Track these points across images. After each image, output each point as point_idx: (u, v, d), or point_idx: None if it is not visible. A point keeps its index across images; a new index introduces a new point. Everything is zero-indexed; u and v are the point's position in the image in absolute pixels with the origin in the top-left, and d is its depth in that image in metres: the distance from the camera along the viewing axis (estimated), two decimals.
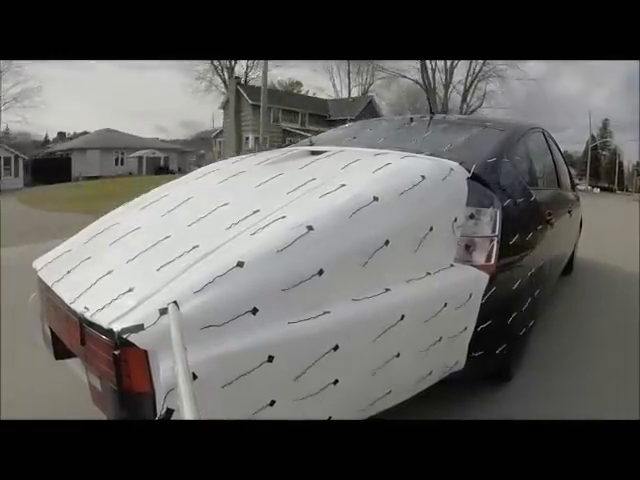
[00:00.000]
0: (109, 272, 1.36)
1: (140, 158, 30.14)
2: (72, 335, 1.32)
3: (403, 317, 1.47)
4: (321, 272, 1.33)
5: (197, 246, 1.34)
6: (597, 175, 58.85)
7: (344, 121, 30.69)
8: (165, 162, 31.31)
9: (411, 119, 2.99)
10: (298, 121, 31.70)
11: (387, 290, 1.48)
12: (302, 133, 27.55)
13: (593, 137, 54.12)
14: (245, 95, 29.22)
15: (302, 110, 32.09)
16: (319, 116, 32.73)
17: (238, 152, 25.66)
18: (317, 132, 29.88)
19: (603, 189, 46.64)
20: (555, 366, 2.41)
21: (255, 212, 1.48)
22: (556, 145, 3.63)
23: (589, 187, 39.64)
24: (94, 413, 1.28)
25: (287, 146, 2.82)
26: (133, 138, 33.04)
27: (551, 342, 2.69)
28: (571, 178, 4.03)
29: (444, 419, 1.69)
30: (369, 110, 31.61)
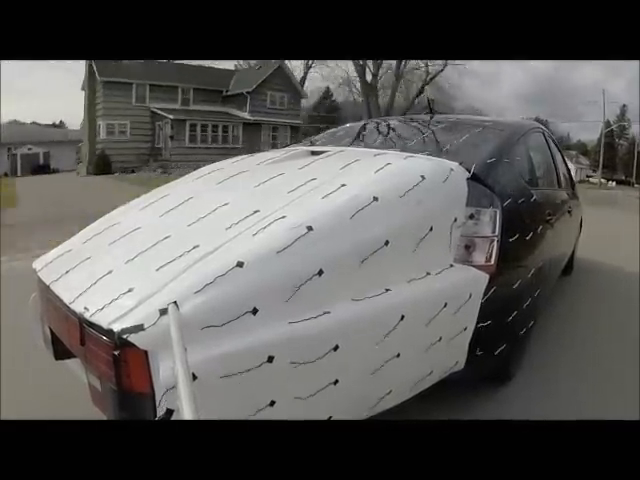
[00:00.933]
0: (109, 272, 1.36)
1: (14, 155, 25.56)
2: (72, 335, 1.31)
3: (403, 317, 1.47)
4: (321, 272, 1.33)
5: (197, 246, 1.34)
6: (613, 166, 53.44)
7: (240, 95, 23.32)
8: (45, 159, 26.69)
9: (411, 119, 3.00)
10: (178, 99, 22.98)
11: (387, 290, 1.48)
12: (165, 115, 20.96)
13: (609, 123, 47.77)
14: (96, 70, 21.14)
15: (184, 85, 23.14)
16: (212, 91, 24.07)
17: (91, 143, 21.01)
18: (201, 113, 22.66)
19: (620, 182, 41.77)
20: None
21: (255, 212, 1.48)
22: (556, 145, 3.63)
23: (603, 180, 34.85)
24: (94, 413, 1.28)
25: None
26: (35, 130, 28.40)
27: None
28: (571, 178, 4.03)
29: (444, 419, 1.69)
30: (276, 80, 24.22)
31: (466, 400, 2.01)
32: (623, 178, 48.31)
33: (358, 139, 2.73)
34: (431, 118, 2.98)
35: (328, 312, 1.32)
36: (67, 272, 1.49)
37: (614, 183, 38.63)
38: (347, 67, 27.17)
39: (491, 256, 1.82)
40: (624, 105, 56.53)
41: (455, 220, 1.76)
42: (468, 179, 1.86)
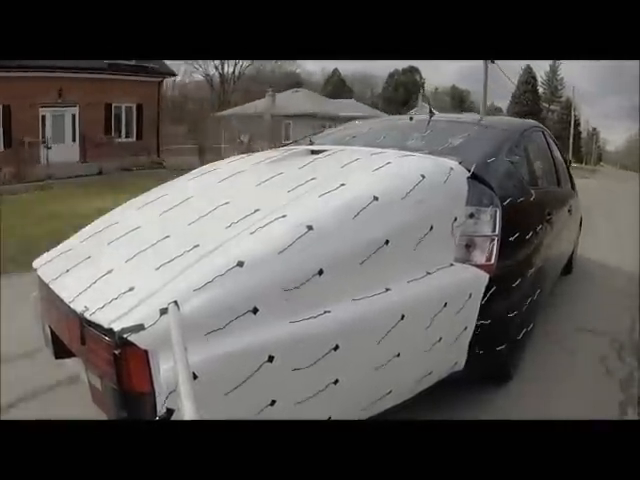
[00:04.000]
0: (109, 271, 1.36)
1: None
2: (72, 334, 1.31)
3: (403, 317, 1.47)
4: (321, 272, 1.33)
5: (197, 245, 1.34)
6: None
7: None
8: None
9: (411, 118, 2.99)
10: None
11: (387, 290, 1.48)
12: None
13: (530, 78, 36.85)
14: None
15: None
16: None
17: None
18: None
19: None
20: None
21: (255, 211, 1.47)
22: (555, 144, 3.63)
23: None
24: (95, 413, 1.28)
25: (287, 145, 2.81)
26: None
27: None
28: (571, 177, 4.03)
29: (444, 419, 1.69)
30: None
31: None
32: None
33: (359, 137, 2.72)
34: (431, 117, 2.97)
35: (328, 311, 1.32)
36: (67, 271, 1.49)
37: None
38: None
39: (491, 255, 1.81)
40: (555, 62, 42.81)
41: (455, 219, 1.76)
42: (468, 178, 1.85)
